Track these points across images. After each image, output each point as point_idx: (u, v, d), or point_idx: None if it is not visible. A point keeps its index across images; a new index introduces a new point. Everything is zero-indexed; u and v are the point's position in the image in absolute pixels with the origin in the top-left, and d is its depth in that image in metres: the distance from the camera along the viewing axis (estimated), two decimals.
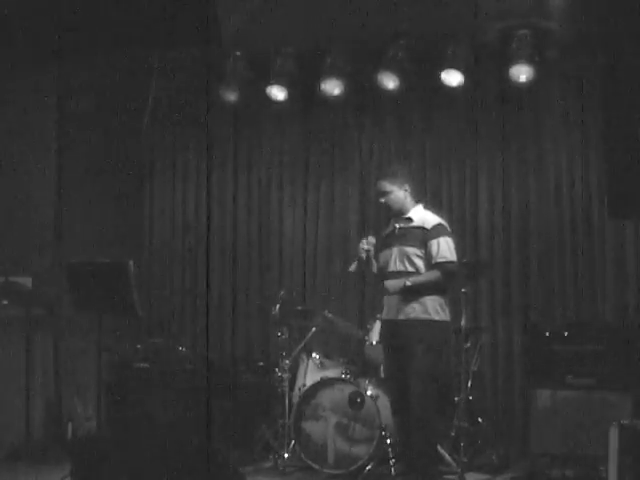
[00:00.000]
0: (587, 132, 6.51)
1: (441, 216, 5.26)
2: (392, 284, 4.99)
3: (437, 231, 5.03)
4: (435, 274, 4.97)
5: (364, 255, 5.09)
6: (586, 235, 6.48)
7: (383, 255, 5.17)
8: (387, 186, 5.15)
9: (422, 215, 5.16)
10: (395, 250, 5.08)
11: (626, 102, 6.27)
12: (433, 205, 6.71)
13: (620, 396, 5.29)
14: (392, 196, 5.13)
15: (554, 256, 6.56)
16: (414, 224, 5.10)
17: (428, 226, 5.05)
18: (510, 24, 6.22)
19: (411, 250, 5.00)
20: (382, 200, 5.17)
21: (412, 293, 4.95)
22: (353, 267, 5.23)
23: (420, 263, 5.00)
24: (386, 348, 5.24)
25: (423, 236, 5.02)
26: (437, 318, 4.96)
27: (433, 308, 4.96)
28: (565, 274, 6.52)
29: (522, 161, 6.73)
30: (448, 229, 5.11)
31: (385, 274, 5.11)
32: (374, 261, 5.20)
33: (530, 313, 6.57)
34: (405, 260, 5.01)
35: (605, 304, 6.36)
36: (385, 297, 5.15)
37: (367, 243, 5.11)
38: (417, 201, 5.23)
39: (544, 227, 6.62)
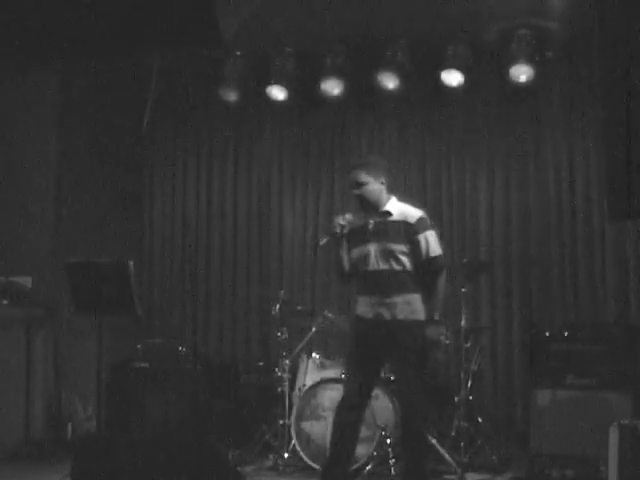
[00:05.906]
0: (587, 132, 6.50)
1: (417, 207, 4.85)
2: (434, 333, 4.58)
3: (422, 225, 4.69)
4: (441, 282, 4.66)
5: (338, 230, 4.71)
6: (586, 235, 6.47)
7: (356, 252, 4.75)
8: (363, 177, 4.72)
9: (401, 208, 4.76)
10: (373, 247, 4.68)
11: (626, 102, 6.26)
12: (433, 205, 6.78)
13: (620, 396, 5.28)
14: (369, 188, 4.72)
15: (554, 256, 6.56)
16: (394, 218, 4.73)
17: (412, 220, 4.68)
18: (510, 24, 6.22)
19: (396, 247, 4.64)
20: (356, 192, 4.74)
21: (399, 290, 4.62)
22: (324, 241, 4.86)
23: (406, 260, 4.64)
24: (359, 347, 4.73)
25: (407, 231, 4.67)
26: (422, 318, 4.64)
27: (420, 308, 4.65)
28: (565, 274, 6.52)
29: (522, 161, 6.73)
30: (429, 221, 4.77)
31: (363, 273, 4.72)
32: (345, 243, 4.79)
33: (530, 313, 6.58)
34: (390, 258, 4.64)
35: (605, 304, 6.36)
36: (360, 295, 4.76)
37: (343, 219, 4.74)
38: (390, 194, 4.86)
39: (544, 227, 6.62)
